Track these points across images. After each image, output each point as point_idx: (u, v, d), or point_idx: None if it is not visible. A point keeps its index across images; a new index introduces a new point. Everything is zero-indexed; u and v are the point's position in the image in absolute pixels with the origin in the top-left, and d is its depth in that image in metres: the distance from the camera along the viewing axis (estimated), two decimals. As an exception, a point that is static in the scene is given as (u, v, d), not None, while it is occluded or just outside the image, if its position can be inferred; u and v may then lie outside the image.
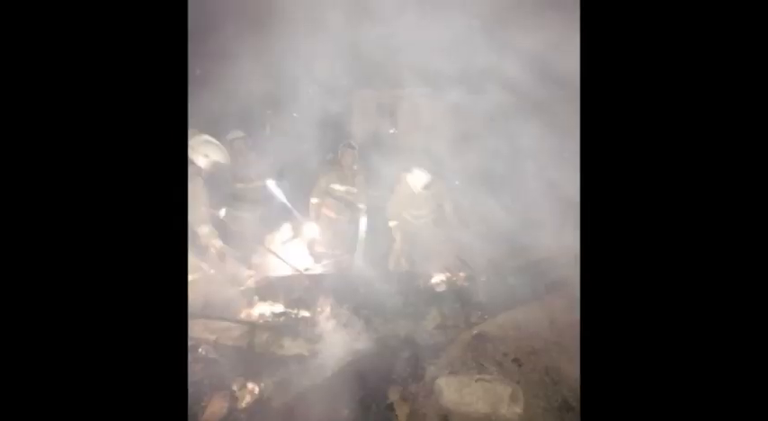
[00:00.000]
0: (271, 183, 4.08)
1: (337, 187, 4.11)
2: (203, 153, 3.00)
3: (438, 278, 3.73)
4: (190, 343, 2.50)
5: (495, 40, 4.17)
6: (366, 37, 4.32)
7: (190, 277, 2.73)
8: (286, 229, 4.22)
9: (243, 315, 3.05)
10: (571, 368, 2.34)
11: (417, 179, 3.84)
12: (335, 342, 2.73)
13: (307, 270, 3.79)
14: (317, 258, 4.02)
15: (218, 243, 3.18)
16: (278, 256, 3.68)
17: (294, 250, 4.01)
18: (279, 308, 3.16)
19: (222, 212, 3.71)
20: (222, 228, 3.45)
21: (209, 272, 3.18)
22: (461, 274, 3.75)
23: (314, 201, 4.09)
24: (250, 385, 2.40)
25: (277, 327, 2.91)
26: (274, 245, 3.96)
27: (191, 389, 2.22)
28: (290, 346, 2.73)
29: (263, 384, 2.43)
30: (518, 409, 2.17)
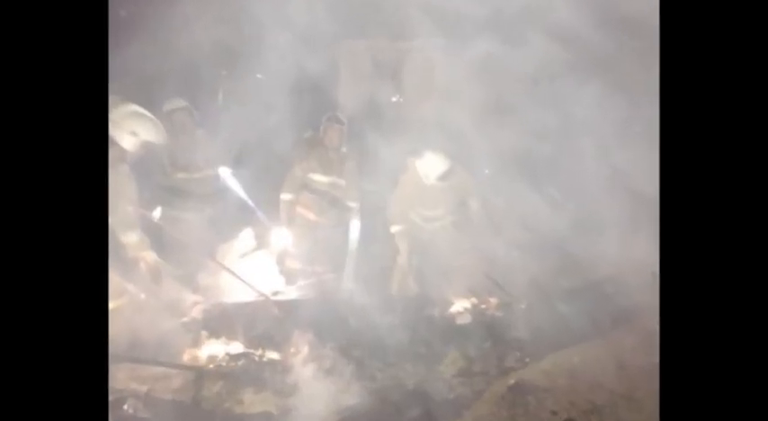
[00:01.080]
0: (225, 172, 4.07)
1: (319, 178, 4.11)
2: (130, 130, 2.99)
3: (460, 305, 3.74)
4: (111, 396, 2.50)
5: (540, -30, 4.18)
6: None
7: (111, 304, 2.72)
8: (246, 237, 4.21)
9: (186, 357, 3.06)
10: (647, 431, 2.35)
11: (431, 166, 3.84)
12: (316, 395, 2.73)
13: (276, 294, 3.79)
14: (291, 278, 4.03)
15: (150, 256, 3.18)
16: (235, 275, 3.67)
17: (258, 266, 4.01)
18: (236, 347, 3.16)
19: (157, 213, 3.71)
20: (157, 236, 3.46)
21: (139, 296, 3.18)
22: (492, 300, 3.75)
23: (286, 197, 4.09)
24: (196, 455, 2.41)
25: (234, 375, 2.91)
26: (230, 259, 3.96)
27: (113, 462, 2.22)
28: (253, 401, 2.74)
29: (214, 454, 2.44)
30: (572, 489, 2.18)
